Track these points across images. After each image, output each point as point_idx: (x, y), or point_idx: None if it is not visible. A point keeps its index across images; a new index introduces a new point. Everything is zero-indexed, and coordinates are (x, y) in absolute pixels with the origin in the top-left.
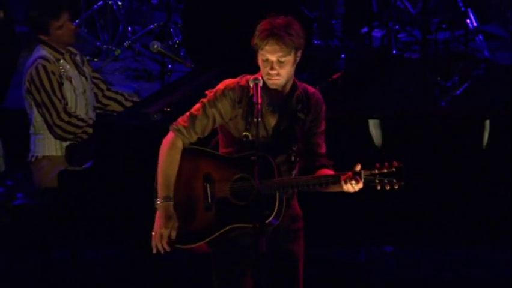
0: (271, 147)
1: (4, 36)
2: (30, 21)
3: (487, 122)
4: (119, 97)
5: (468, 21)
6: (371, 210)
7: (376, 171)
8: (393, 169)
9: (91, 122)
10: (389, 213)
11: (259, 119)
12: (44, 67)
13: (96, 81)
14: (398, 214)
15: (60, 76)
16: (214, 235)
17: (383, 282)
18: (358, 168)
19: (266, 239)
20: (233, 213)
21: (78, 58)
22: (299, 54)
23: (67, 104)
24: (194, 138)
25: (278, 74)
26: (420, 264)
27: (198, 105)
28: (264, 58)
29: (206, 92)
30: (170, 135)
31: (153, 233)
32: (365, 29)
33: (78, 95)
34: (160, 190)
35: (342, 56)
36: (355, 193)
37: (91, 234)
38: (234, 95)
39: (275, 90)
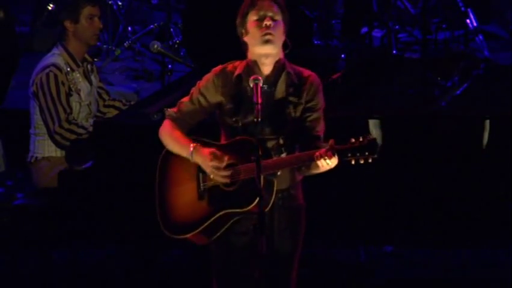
0: (261, 130)
1: (4, 36)
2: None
3: (487, 122)
4: (117, 103)
5: (468, 21)
6: (370, 210)
7: (349, 146)
8: (365, 142)
9: (91, 129)
10: (388, 213)
11: (259, 119)
12: (55, 76)
13: (100, 91)
14: (398, 214)
15: (70, 88)
16: (208, 222)
17: (383, 282)
18: (331, 143)
19: (266, 239)
20: (223, 199)
21: (89, 67)
22: (286, 28)
23: (71, 113)
24: (185, 122)
25: (274, 29)
26: (420, 264)
27: (188, 95)
28: (256, 17)
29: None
30: (165, 122)
31: (211, 176)
32: (365, 29)
33: (83, 106)
34: (184, 149)
35: (342, 56)
36: (355, 193)
37: (91, 234)
38: (218, 80)
39: (261, 71)
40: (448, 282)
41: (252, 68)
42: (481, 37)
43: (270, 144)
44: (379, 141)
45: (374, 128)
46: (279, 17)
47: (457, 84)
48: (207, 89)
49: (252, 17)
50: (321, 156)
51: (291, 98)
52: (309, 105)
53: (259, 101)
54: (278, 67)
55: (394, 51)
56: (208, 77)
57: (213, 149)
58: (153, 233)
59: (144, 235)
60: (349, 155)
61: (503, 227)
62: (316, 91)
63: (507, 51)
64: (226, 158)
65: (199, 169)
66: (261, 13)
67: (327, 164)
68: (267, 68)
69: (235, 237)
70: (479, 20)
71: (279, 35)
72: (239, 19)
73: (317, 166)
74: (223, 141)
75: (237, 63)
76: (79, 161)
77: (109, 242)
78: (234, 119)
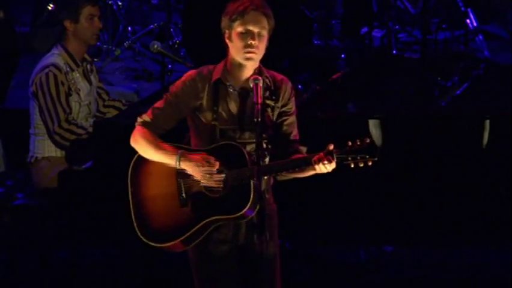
0: (240, 135)
1: (4, 36)
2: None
3: (487, 122)
4: (117, 104)
5: (468, 21)
6: (370, 210)
7: (347, 149)
8: (364, 145)
9: (90, 129)
10: (388, 213)
11: (259, 119)
12: (55, 76)
13: (100, 91)
14: (398, 214)
15: (69, 88)
16: (193, 230)
17: (383, 282)
18: (330, 147)
19: (266, 237)
20: (209, 206)
21: (89, 66)
22: (270, 35)
23: (70, 113)
24: (159, 129)
25: (257, 47)
26: (420, 264)
27: (161, 100)
28: (243, 30)
29: (170, 86)
30: (137, 128)
31: (202, 183)
32: (365, 29)
33: (82, 106)
34: (169, 156)
35: (342, 56)
36: (355, 193)
37: (91, 234)
38: (195, 84)
39: (241, 75)
40: (448, 282)
41: (231, 72)
42: (481, 37)
43: (249, 148)
44: (379, 141)
45: (374, 128)
46: (265, 31)
47: (457, 84)
48: (184, 94)
49: (238, 28)
50: (319, 161)
51: (268, 102)
52: (284, 109)
53: (259, 101)
54: (257, 72)
55: (394, 51)
56: (185, 81)
57: (203, 154)
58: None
59: None
60: (349, 158)
61: (503, 227)
62: (290, 95)
63: (507, 51)
64: (217, 163)
65: (179, 175)
66: (248, 28)
67: (326, 168)
68: (246, 73)
69: (214, 246)
70: (479, 20)
71: (261, 50)
72: (225, 19)
73: (314, 170)
74: (194, 146)
75: (211, 67)
76: (79, 161)
77: (109, 242)
78: (212, 123)
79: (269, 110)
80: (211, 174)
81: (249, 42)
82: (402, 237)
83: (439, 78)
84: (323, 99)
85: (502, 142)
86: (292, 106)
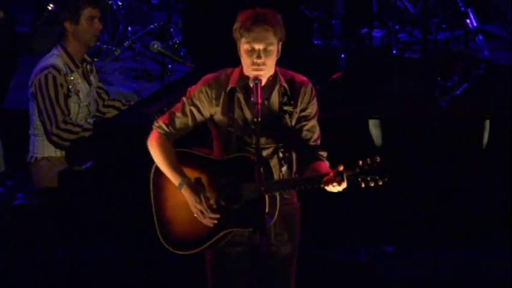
0: (256, 143)
1: (4, 36)
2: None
3: (487, 122)
4: (117, 103)
5: (468, 21)
6: (370, 210)
7: (357, 170)
8: (375, 165)
9: (86, 126)
10: (388, 213)
11: (259, 119)
12: (54, 78)
13: (99, 91)
14: (398, 214)
15: (68, 89)
16: (211, 241)
17: (383, 282)
18: (340, 168)
19: (268, 239)
20: (226, 217)
21: (88, 67)
22: (280, 46)
23: (68, 115)
24: (176, 135)
25: (264, 64)
26: (420, 264)
27: (179, 103)
28: (249, 48)
29: (188, 88)
30: (154, 133)
31: (195, 215)
32: (365, 29)
33: (82, 107)
34: (174, 178)
35: (342, 56)
36: (355, 193)
37: (91, 234)
38: (211, 91)
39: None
40: (448, 282)
41: (246, 80)
42: (481, 37)
43: (265, 153)
44: (379, 141)
45: (374, 128)
46: (272, 47)
47: (457, 84)
48: (201, 100)
49: (245, 45)
50: (329, 182)
51: (285, 108)
52: (303, 113)
53: (260, 101)
54: (271, 80)
55: (394, 51)
56: (201, 87)
57: (202, 191)
58: (153, 232)
59: (144, 235)
60: (359, 179)
61: (503, 227)
62: (309, 99)
63: (507, 51)
64: (213, 203)
65: (197, 184)
66: (254, 45)
67: (335, 189)
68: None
69: (229, 248)
70: (479, 20)
71: (270, 65)
72: (235, 30)
73: (324, 189)
74: (216, 149)
75: (228, 71)
76: (79, 161)
77: (109, 242)
78: (228, 129)
79: (287, 116)
80: (203, 214)
81: (254, 61)
82: (402, 237)
83: (439, 78)
84: (323, 99)
85: (502, 142)
86: (312, 110)
